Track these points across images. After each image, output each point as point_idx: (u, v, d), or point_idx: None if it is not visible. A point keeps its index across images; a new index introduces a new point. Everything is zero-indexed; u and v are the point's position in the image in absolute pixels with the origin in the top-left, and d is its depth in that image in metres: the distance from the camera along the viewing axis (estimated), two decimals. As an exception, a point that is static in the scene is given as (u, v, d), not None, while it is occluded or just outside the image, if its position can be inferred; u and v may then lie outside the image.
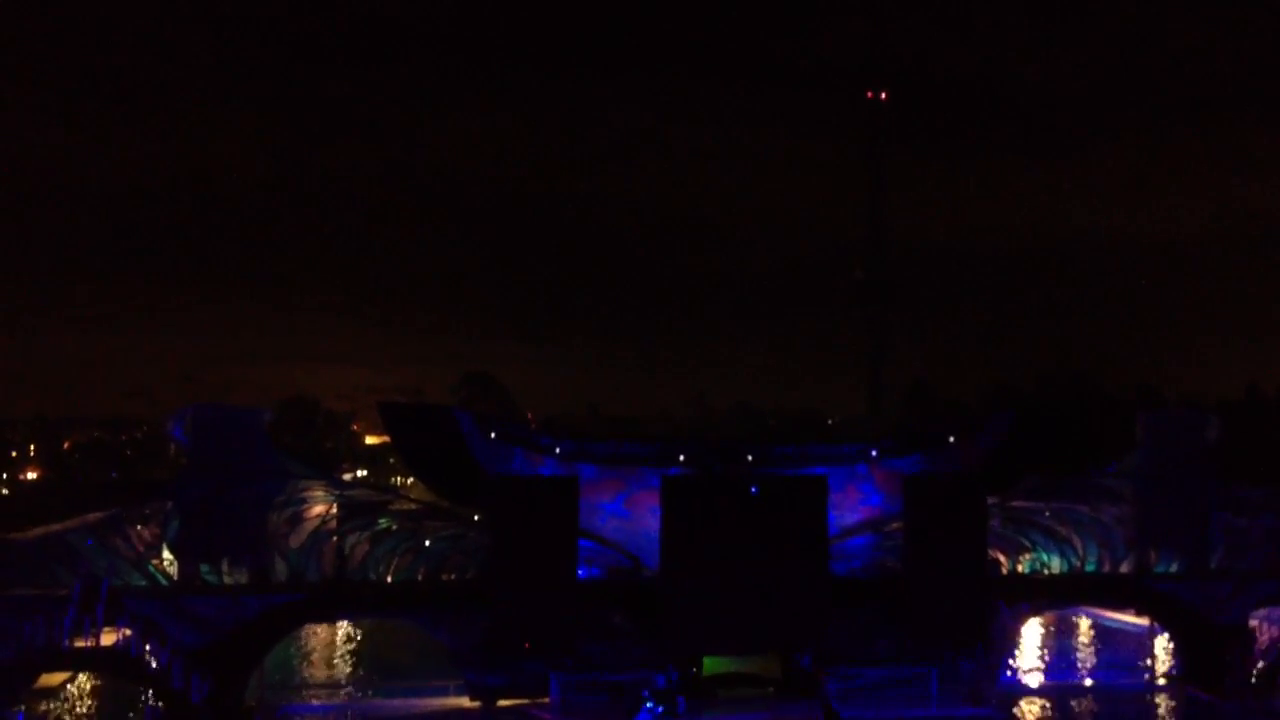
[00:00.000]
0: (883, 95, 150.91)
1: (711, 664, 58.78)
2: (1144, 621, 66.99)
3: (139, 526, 57.84)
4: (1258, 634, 62.32)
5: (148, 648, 52.04)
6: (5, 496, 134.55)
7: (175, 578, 57.17)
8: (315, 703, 60.85)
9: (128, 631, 52.24)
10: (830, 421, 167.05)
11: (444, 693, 58.99)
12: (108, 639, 51.93)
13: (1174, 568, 63.03)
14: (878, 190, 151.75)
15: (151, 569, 57.13)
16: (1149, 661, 66.54)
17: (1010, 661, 64.33)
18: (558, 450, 65.76)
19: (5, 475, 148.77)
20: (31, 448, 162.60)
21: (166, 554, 58.03)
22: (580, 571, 59.78)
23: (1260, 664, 60.49)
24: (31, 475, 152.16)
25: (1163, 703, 61.34)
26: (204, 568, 56.89)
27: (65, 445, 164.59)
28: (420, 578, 60.18)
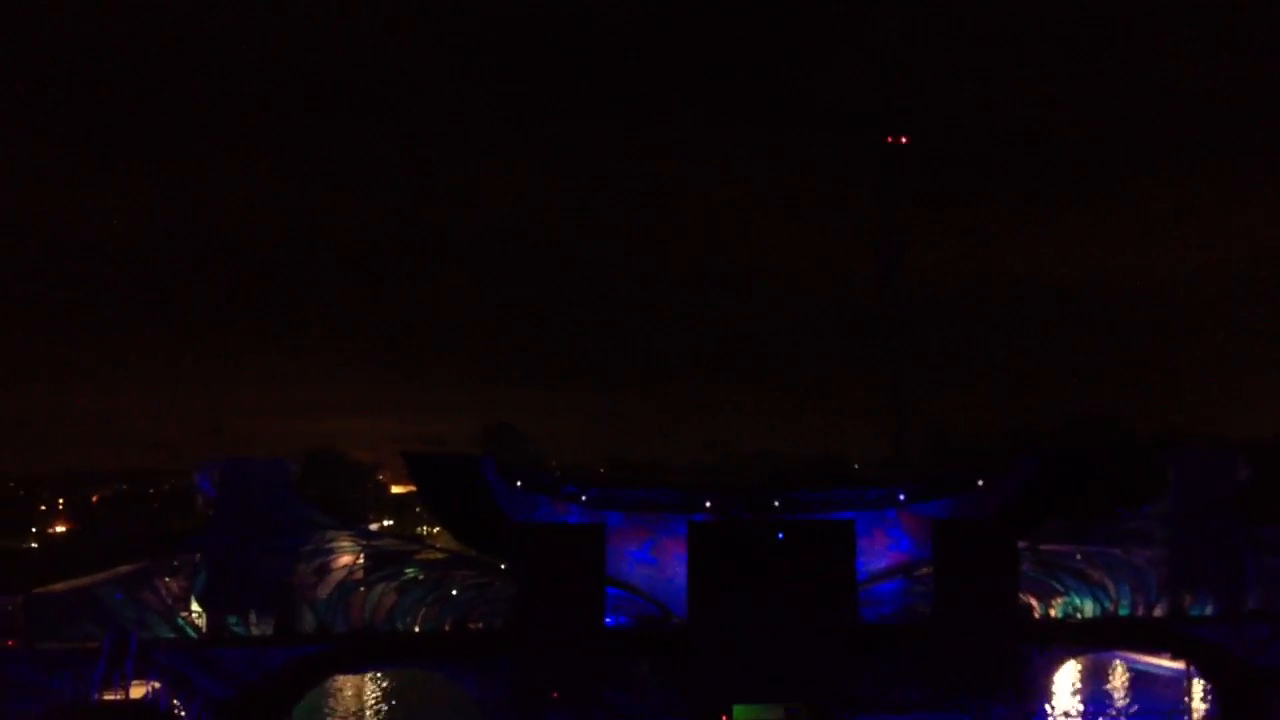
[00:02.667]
0: (903, 139, 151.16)
1: (742, 712, 58.20)
2: (1180, 665, 66.02)
3: (167, 579, 58.10)
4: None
5: (176, 701, 52.11)
6: (34, 550, 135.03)
7: (204, 630, 57.20)
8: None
9: (157, 684, 52.29)
10: (856, 465, 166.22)
11: (471, 744, 58.69)
12: (137, 692, 51.98)
13: (1209, 610, 62.31)
14: (894, 234, 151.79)
15: (180, 621, 57.22)
16: (1186, 706, 65.48)
17: (1045, 707, 63.47)
18: (583, 498, 65.69)
19: (34, 529, 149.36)
20: (60, 502, 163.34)
21: (195, 606, 58.12)
22: (608, 620, 59.47)
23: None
24: (60, 529, 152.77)
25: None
26: (232, 619, 56.95)
27: (93, 499, 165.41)
28: (447, 628, 59.99)
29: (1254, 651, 60.59)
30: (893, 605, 63.92)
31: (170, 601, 57.51)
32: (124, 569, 58.52)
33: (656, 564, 64.75)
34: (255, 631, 57.02)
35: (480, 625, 60.32)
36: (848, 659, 57.89)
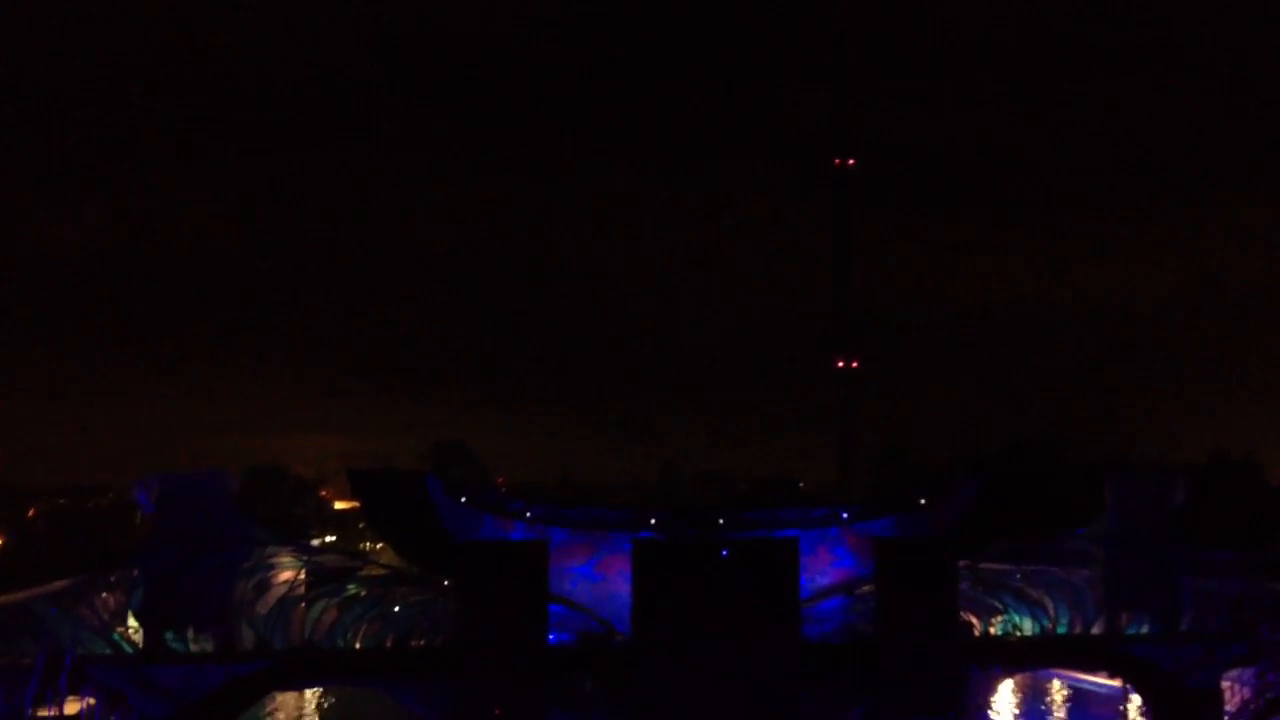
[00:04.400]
0: (850, 162, 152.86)
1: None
2: (1116, 683, 67.02)
3: (104, 594, 57.26)
4: (1229, 696, 62.41)
5: (112, 718, 51.23)
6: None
7: (140, 646, 56.42)
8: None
9: (92, 701, 51.52)
10: (801, 485, 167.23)
11: (413, 762, 58.30)
12: (71, 708, 51.26)
13: (1145, 629, 63.21)
14: (843, 254, 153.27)
15: (116, 637, 56.40)
16: (1122, 723, 66.47)
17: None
18: (528, 515, 65.57)
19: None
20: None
21: (132, 622, 57.35)
22: (551, 637, 59.38)
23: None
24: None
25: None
26: (169, 636, 56.19)
27: (30, 513, 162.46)
28: (389, 645, 59.60)
29: (1188, 670, 61.53)
30: (834, 623, 64.30)
31: (107, 617, 56.66)
32: (60, 584, 57.59)
33: (600, 581, 64.71)
34: (193, 648, 56.29)
35: (423, 642, 59.97)
36: (791, 677, 58.15)
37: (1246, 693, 61.94)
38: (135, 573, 56.80)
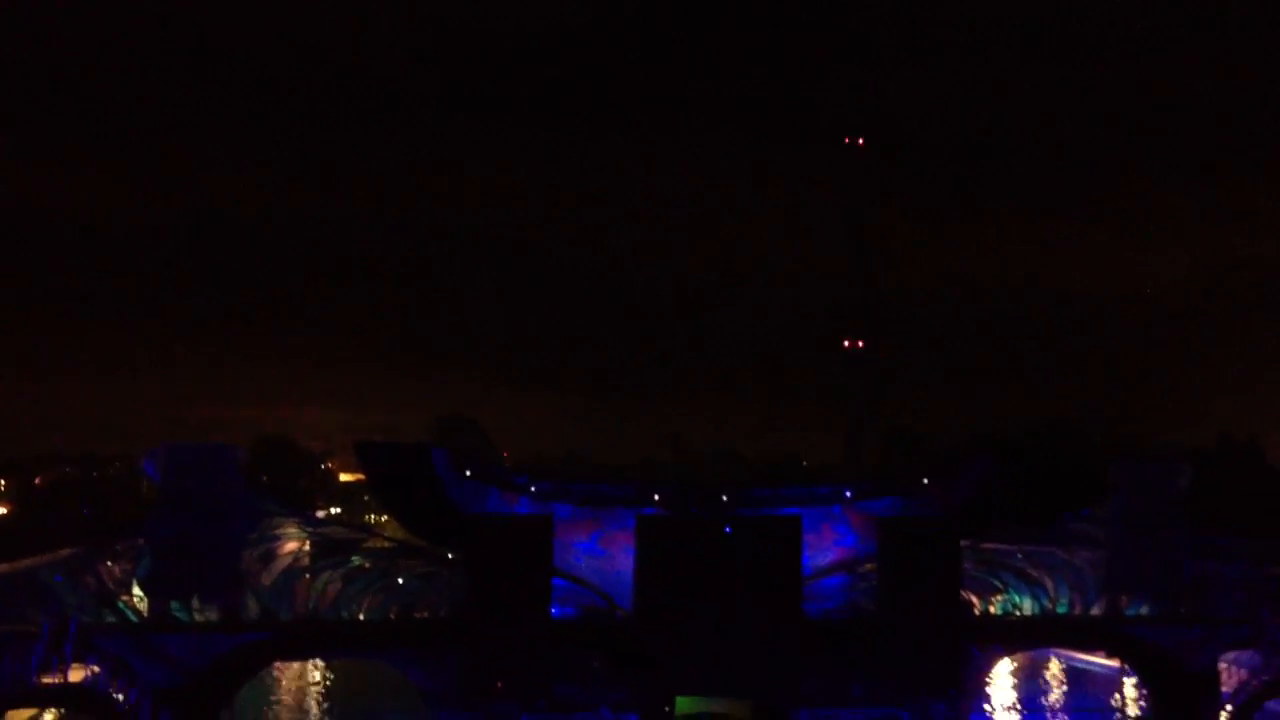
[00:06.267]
0: (859, 141, 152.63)
1: (684, 704, 58.63)
2: (1114, 663, 67.23)
3: (110, 563, 57.54)
4: (1225, 678, 62.60)
5: (116, 685, 51.61)
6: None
7: (145, 615, 56.77)
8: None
9: (96, 669, 51.82)
10: (805, 464, 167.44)
11: (415, 733, 58.69)
12: (76, 676, 51.48)
13: (1145, 611, 63.35)
14: (857, 235, 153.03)
15: (122, 606, 56.71)
16: (1120, 704, 66.70)
17: (982, 703, 64.35)
18: (533, 489, 65.80)
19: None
20: (2, 483, 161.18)
21: (137, 591, 57.69)
22: (554, 610, 59.67)
23: (1229, 708, 60.71)
24: (1, 511, 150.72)
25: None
26: (175, 605, 56.57)
27: (36, 481, 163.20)
28: (393, 616, 59.93)
29: (1188, 652, 61.70)
30: (836, 600, 64.57)
31: (112, 586, 56.98)
32: (66, 552, 57.95)
33: (604, 555, 64.98)
34: (198, 618, 56.66)
35: (426, 615, 60.28)
36: (792, 653, 58.42)
37: (1243, 674, 62.12)
38: (141, 542, 57.07)
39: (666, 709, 57.66)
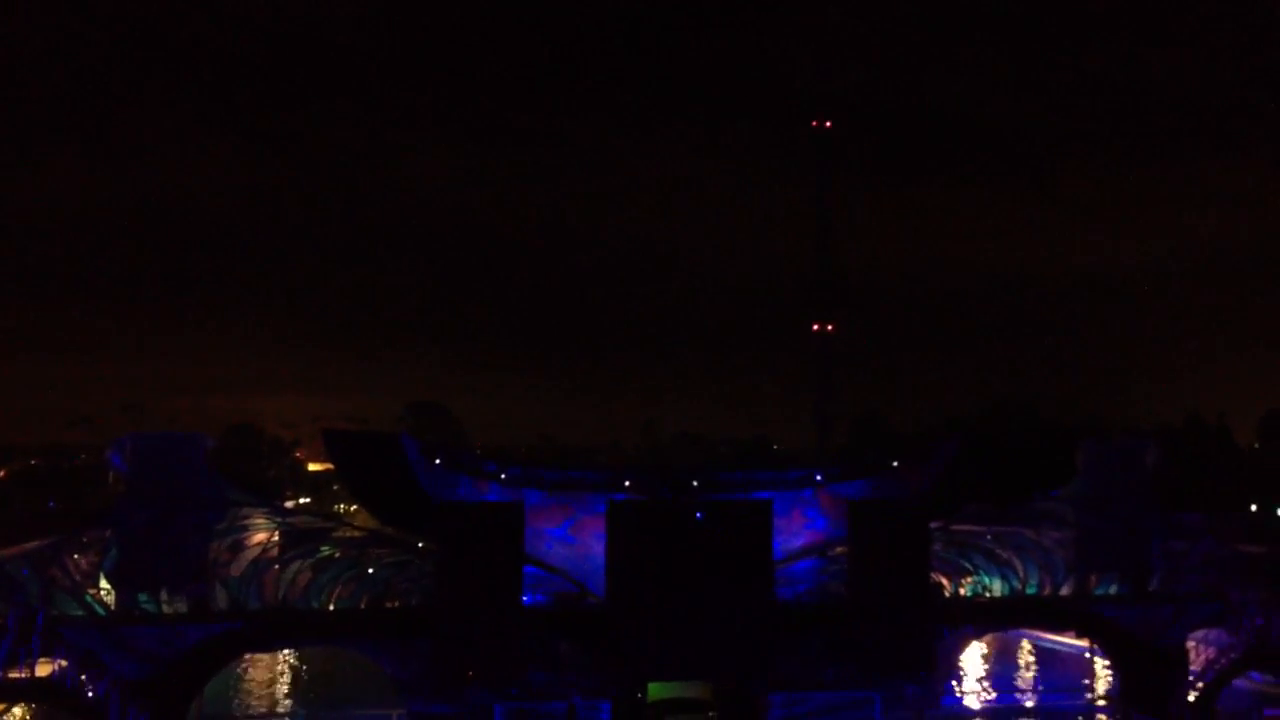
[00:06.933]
0: (827, 124, 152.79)
1: (655, 690, 58.73)
2: (1084, 643, 67.79)
3: (76, 555, 56.84)
4: (1193, 656, 63.24)
5: (84, 678, 51.19)
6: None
7: (113, 607, 56.28)
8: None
9: (64, 662, 51.35)
10: (775, 447, 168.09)
11: (386, 722, 58.49)
12: (43, 670, 51.00)
13: (1113, 590, 63.87)
14: (824, 217, 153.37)
15: (89, 599, 56.15)
16: (1089, 683, 67.27)
17: (953, 684, 64.76)
18: (503, 476, 65.58)
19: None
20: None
21: (105, 583, 57.16)
22: (525, 598, 59.56)
23: (1198, 685, 61.34)
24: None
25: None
26: (142, 597, 56.10)
27: (2, 473, 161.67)
28: (363, 605, 59.66)
29: (1156, 631, 62.27)
30: (808, 584, 64.77)
31: (79, 578, 56.40)
32: (32, 544, 57.25)
33: (575, 542, 64.90)
34: (167, 609, 56.22)
35: (397, 603, 60.05)
36: (764, 637, 58.56)
37: (1211, 653, 62.78)
38: (108, 533, 56.51)
39: (639, 695, 57.68)
